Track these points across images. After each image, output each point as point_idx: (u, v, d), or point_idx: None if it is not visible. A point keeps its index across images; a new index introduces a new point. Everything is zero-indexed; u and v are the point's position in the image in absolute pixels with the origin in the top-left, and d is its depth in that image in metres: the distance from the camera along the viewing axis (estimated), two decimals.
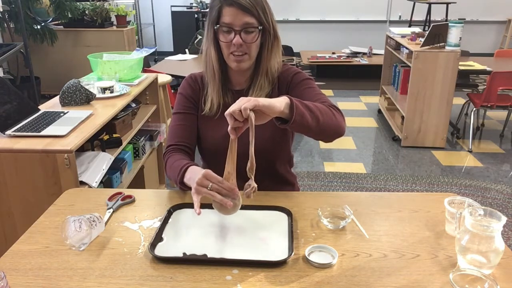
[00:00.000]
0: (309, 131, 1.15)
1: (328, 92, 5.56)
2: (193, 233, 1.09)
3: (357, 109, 5.00)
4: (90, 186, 1.64)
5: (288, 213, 1.16)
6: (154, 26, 7.94)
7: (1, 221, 1.65)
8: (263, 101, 1.02)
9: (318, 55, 6.46)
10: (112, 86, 2.15)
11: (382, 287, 0.90)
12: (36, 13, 4.95)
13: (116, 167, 2.04)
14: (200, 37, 4.71)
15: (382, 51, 5.13)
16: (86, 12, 5.14)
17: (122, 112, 2.07)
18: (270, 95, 1.35)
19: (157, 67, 3.98)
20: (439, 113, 3.67)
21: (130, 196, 1.28)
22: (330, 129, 1.18)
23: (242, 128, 1.04)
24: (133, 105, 2.23)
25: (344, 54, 6.51)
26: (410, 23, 6.73)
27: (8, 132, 1.65)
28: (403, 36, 4.18)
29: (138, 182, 2.44)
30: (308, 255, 0.99)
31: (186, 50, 4.69)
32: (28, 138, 1.63)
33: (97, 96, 2.07)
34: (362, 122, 4.53)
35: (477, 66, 3.92)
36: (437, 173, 3.36)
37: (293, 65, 1.80)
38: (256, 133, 1.03)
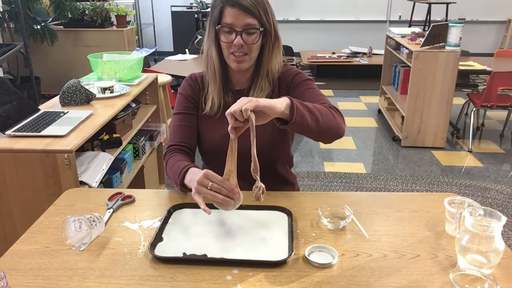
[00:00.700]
0: (309, 132, 1.15)
1: (328, 92, 5.56)
2: (193, 233, 1.09)
3: (357, 109, 5.00)
4: (90, 186, 1.64)
5: (288, 213, 1.16)
6: (154, 26, 7.95)
7: (1, 221, 1.65)
8: (264, 102, 1.02)
9: (318, 55, 6.46)
10: (112, 86, 2.15)
11: (382, 287, 0.90)
12: (36, 13, 4.95)
13: (116, 167, 2.04)
14: (200, 37, 4.71)
15: (382, 51, 5.13)
16: (86, 12, 5.14)
17: (122, 112, 2.07)
18: (270, 96, 1.35)
19: (157, 67, 3.98)
20: (439, 113, 3.67)
21: (130, 196, 1.28)
22: (329, 130, 1.18)
23: (242, 128, 1.04)
24: (133, 105, 2.23)
25: (344, 54, 6.51)
26: (410, 23, 6.73)
27: (8, 132, 1.65)
28: (403, 36, 4.18)
29: (138, 182, 2.44)
30: (308, 255, 0.99)
31: (186, 50, 4.69)
32: (28, 138, 1.63)
33: (97, 96, 2.07)
34: (362, 122, 4.53)
35: (477, 66, 3.92)
36: (437, 173, 3.36)
37: (293, 65, 1.80)
38: (256, 134, 1.03)
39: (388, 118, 4.39)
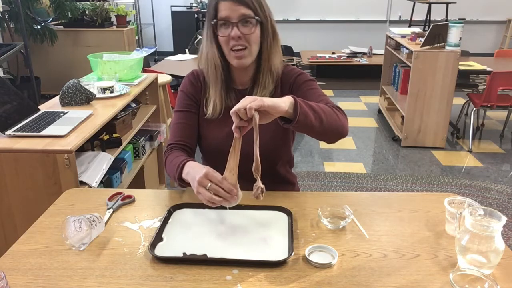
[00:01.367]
0: (312, 131, 1.15)
1: (328, 92, 5.56)
2: (193, 233, 1.09)
3: (357, 109, 5.00)
4: (90, 186, 1.64)
5: (288, 213, 1.16)
6: (154, 26, 7.94)
7: (1, 221, 1.65)
8: (268, 101, 1.02)
9: (318, 55, 6.46)
10: (112, 86, 2.15)
11: (382, 287, 0.90)
12: (36, 13, 4.95)
13: (116, 167, 2.04)
14: (200, 37, 4.71)
15: (382, 51, 5.13)
16: (86, 12, 5.14)
17: (122, 112, 2.07)
18: (273, 95, 1.35)
19: (157, 67, 3.98)
20: (439, 113, 3.67)
21: (130, 196, 1.28)
22: (333, 129, 1.19)
23: (246, 128, 1.04)
24: (133, 105, 2.23)
25: (344, 54, 6.51)
26: (410, 23, 6.73)
27: (8, 132, 1.65)
28: (403, 36, 4.18)
29: (138, 182, 2.44)
30: (308, 255, 0.99)
31: (186, 50, 4.69)
32: (28, 138, 1.63)
33: (97, 96, 2.07)
34: (362, 122, 4.53)
35: (477, 66, 3.92)
36: (437, 173, 3.36)
37: (293, 65, 1.80)
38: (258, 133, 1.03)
39: (388, 118, 4.39)
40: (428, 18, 6.63)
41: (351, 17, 7.68)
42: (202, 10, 7.35)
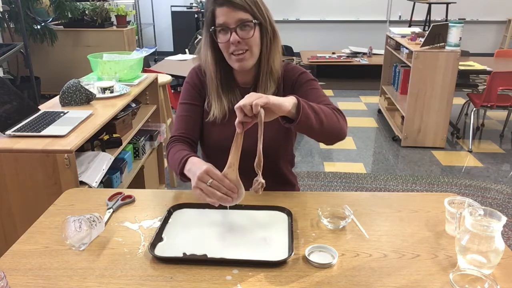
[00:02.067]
0: (312, 133, 1.15)
1: (328, 92, 5.56)
2: (193, 233, 1.09)
3: (357, 109, 5.00)
4: (90, 186, 1.64)
5: (288, 213, 1.16)
6: (154, 26, 7.94)
7: (1, 221, 1.65)
8: (274, 99, 1.02)
9: (318, 55, 6.46)
10: (112, 86, 2.14)
11: (382, 287, 0.90)
12: (36, 13, 4.95)
13: (116, 167, 2.03)
14: (200, 37, 4.71)
15: (382, 51, 5.13)
16: (86, 12, 5.14)
17: (122, 112, 2.07)
18: (275, 94, 1.35)
19: (157, 67, 3.98)
20: (439, 113, 3.67)
21: (130, 196, 1.28)
22: (332, 132, 1.19)
23: (249, 124, 1.04)
24: (133, 105, 2.23)
25: (344, 54, 6.51)
26: (410, 23, 6.73)
27: (8, 132, 1.65)
28: (403, 36, 4.18)
29: (138, 182, 2.44)
30: (308, 255, 0.99)
31: (186, 50, 4.69)
32: (28, 138, 1.63)
33: (97, 96, 2.07)
34: (362, 122, 4.53)
35: (477, 66, 3.92)
36: (437, 173, 3.36)
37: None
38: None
39: (388, 118, 4.39)
40: (428, 18, 6.63)
41: (351, 17, 7.68)
42: (202, 10, 7.35)
